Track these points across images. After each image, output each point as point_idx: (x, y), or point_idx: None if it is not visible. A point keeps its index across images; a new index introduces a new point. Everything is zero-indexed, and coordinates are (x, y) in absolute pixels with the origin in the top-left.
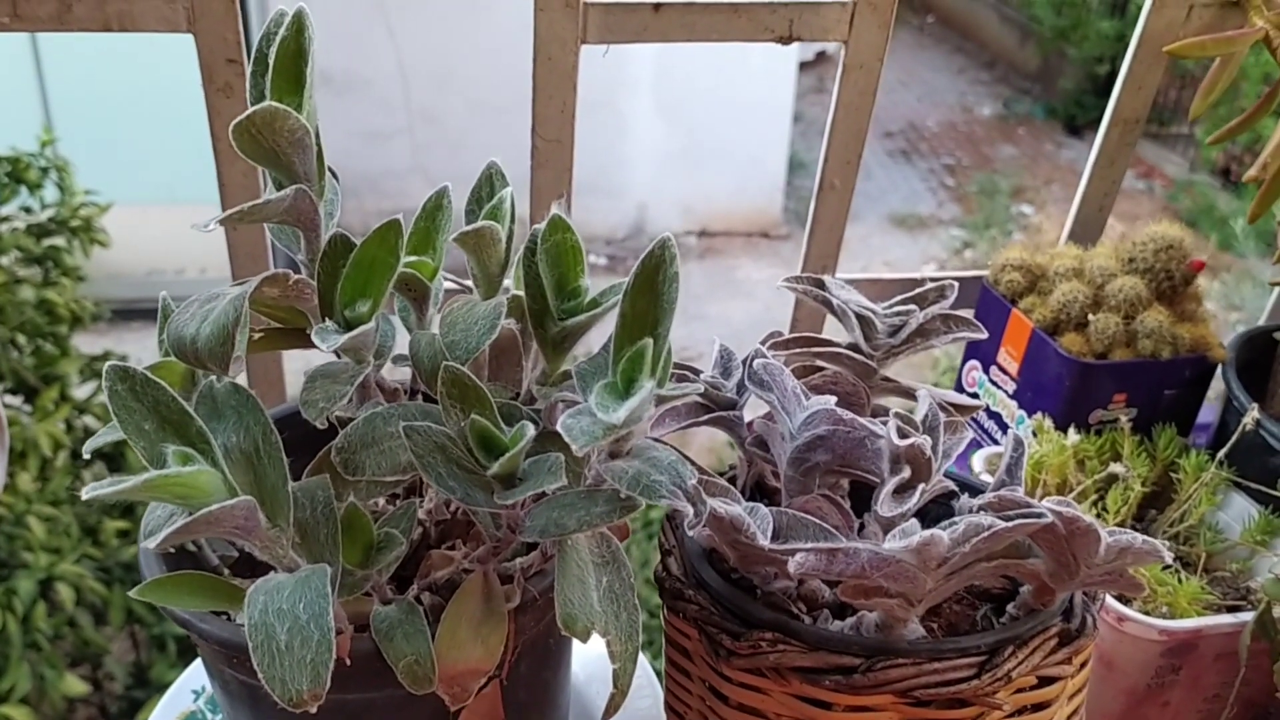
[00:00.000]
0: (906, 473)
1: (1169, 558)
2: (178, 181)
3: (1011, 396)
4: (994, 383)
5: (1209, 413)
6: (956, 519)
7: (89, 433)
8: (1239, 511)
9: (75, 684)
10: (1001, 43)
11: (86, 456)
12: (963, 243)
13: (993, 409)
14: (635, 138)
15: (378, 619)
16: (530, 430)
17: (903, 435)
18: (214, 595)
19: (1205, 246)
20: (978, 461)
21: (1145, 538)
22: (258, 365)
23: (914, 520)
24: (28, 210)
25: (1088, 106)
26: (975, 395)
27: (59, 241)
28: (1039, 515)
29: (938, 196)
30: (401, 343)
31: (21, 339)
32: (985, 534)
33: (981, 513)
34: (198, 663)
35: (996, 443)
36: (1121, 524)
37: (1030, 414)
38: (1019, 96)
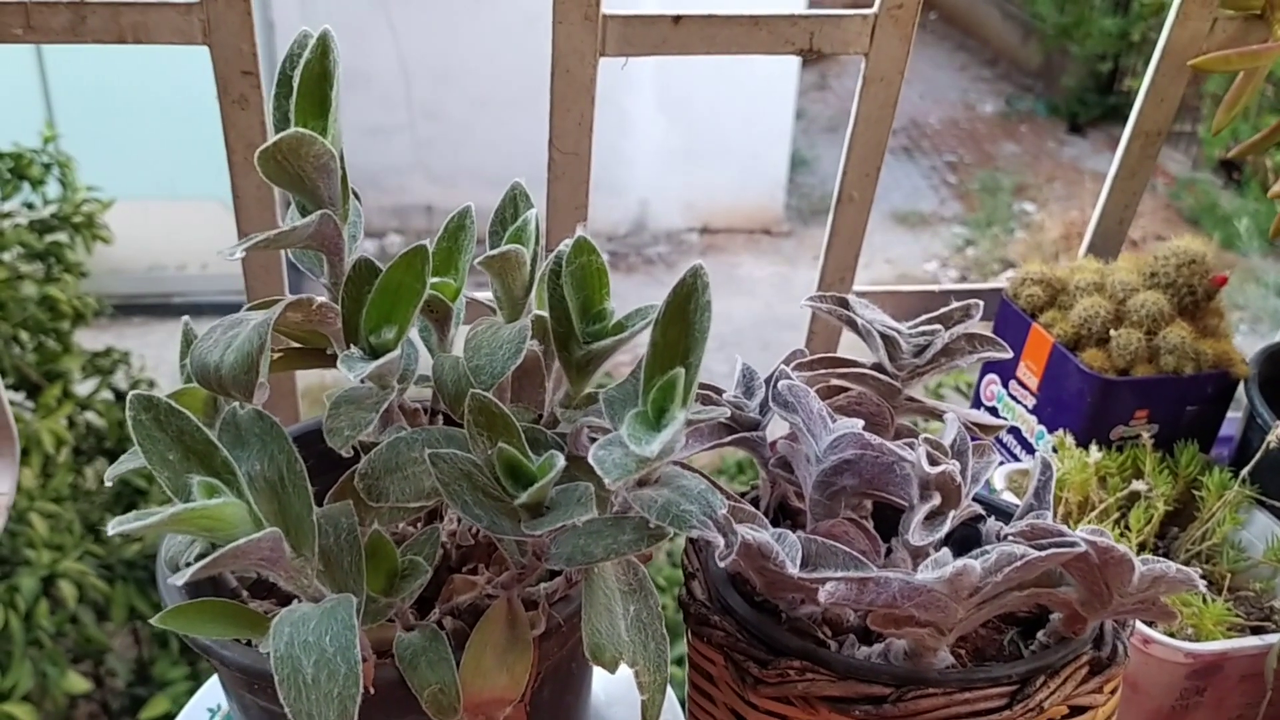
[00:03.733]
0: (937, 500)
1: (1202, 587)
2: (180, 177)
3: (1031, 411)
4: (1013, 397)
5: (1229, 425)
6: (988, 548)
7: (91, 429)
8: (1262, 529)
9: (78, 681)
10: (1004, 40)
11: (108, 485)
12: (964, 240)
13: (1012, 423)
14: (637, 134)
15: (401, 646)
16: (560, 461)
17: (932, 461)
18: (236, 622)
19: (1208, 245)
20: (999, 479)
21: (1179, 567)
22: (270, 380)
23: (945, 550)
24: (30, 206)
25: (1090, 104)
26: (994, 410)
27: (61, 237)
28: (1072, 544)
29: (940, 194)
30: (423, 362)
31: (24, 335)
32: (1018, 563)
33: (1013, 541)
34: (211, 681)
35: (1015, 458)
36: (1144, 543)
37: (1050, 429)
38: (1021, 94)
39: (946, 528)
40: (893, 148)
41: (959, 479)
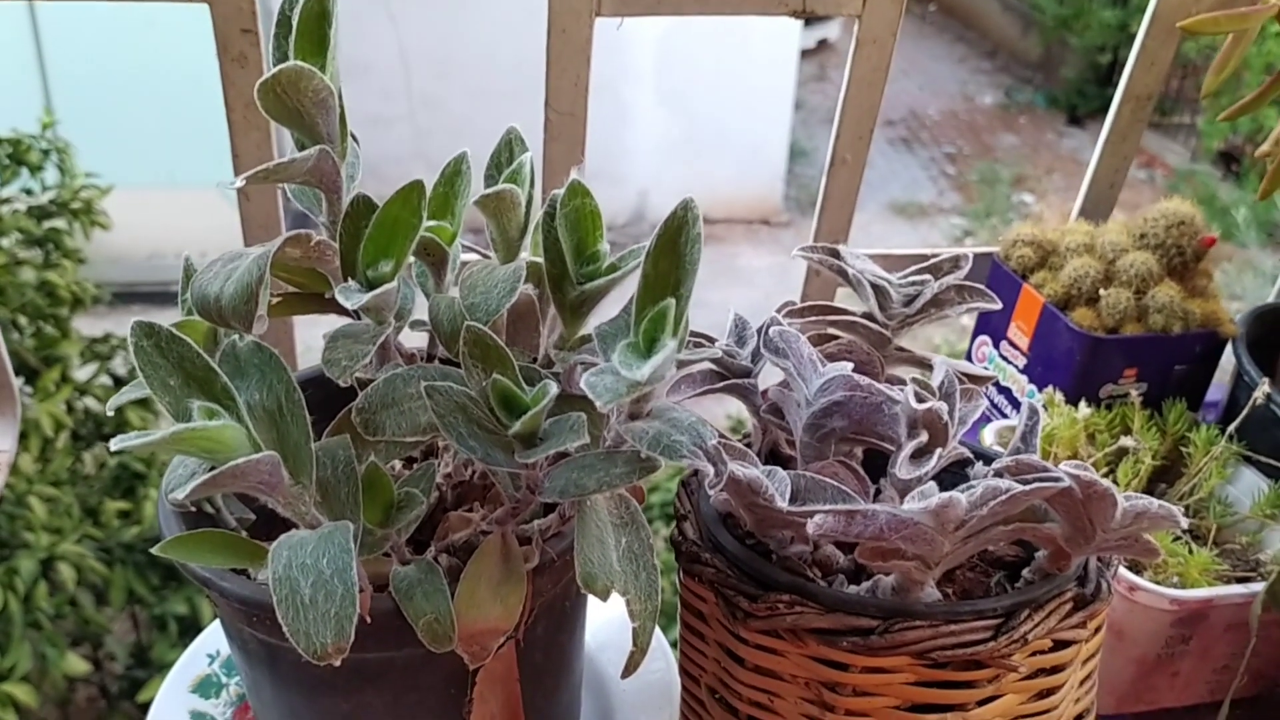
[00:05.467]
0: (924, 437)
1: (1184, 523)
2: (179, 165)
3: (1022, 371)
4: (1004, 358)
5: (1217, 392)
6: (974, 482)
7: (90, 414)
8: (1249, 485)
9: (76, 663)
10: (1003, 31)
11: (110, 413)
12: (963, 231)
13: (1003, 384)
14: (636, 125)
15: (397, 578)
16: (553, 388)
17: (920, 400)
18: (234, 552)
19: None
20: (989, 435)
21: (1161, 503)
22: (269, 335)
23: (932, 484)
24: (28, 192)
25: (1089, 96)
26: (985, 369)
27: (60, 224)
28: (1056, 479)
29: (938, 185)
30: (419, 308)
31: (23, 321)
32: (1003, 497)
33: (999, 476)
34: (212, 627)
35: (1006, 418)
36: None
37: (1040, 388)
38: (1020, 85)
39: (934, 463)
40: (891, 139)
41: (946, 417)
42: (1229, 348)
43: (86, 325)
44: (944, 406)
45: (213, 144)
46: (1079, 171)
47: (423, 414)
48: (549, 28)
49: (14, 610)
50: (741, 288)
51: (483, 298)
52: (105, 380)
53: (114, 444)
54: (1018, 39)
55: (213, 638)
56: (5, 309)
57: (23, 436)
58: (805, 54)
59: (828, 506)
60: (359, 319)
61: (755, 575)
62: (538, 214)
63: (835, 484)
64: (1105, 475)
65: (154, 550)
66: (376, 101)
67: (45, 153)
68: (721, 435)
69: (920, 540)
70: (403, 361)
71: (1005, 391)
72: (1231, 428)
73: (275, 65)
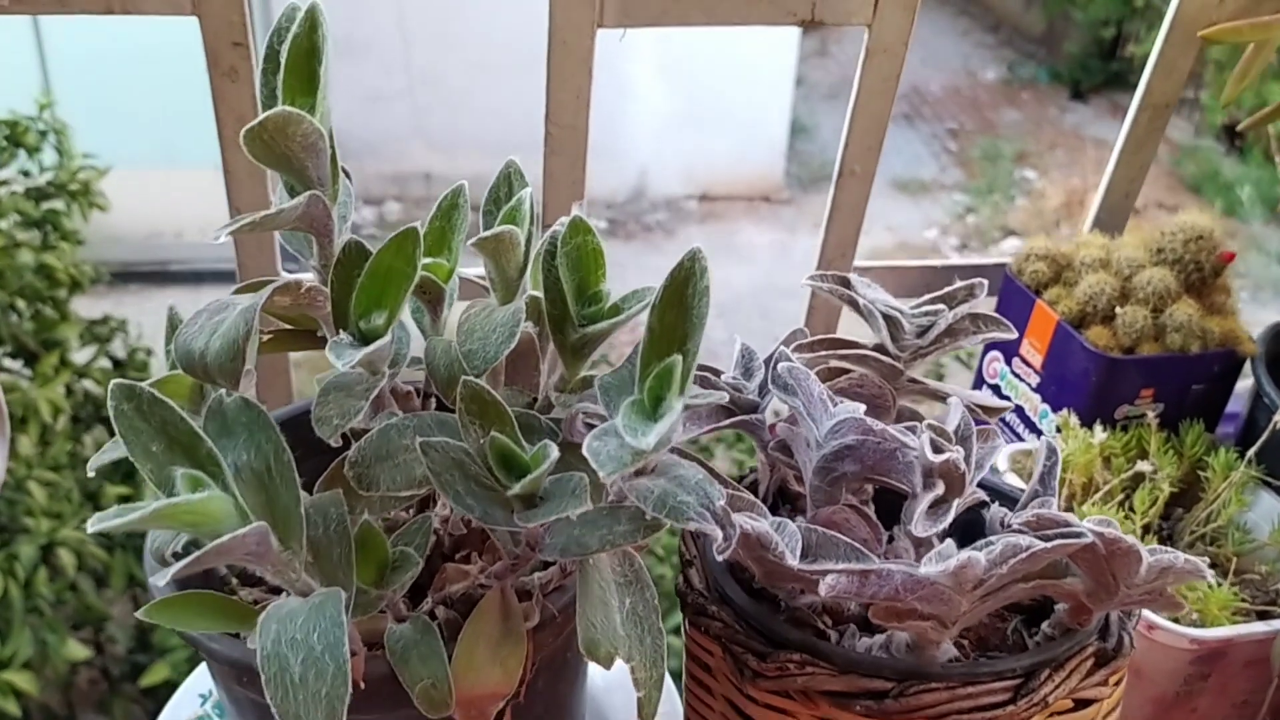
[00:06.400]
0: (940, 489)
1: (1210, 577)
2: (177, 145)
3: (1035, 390)
4: (1016, 375)
5: (1235, 403)
6: (993, 539)
7: (89, 397)
8: (1268, 510)
9: (77, 649)
10: (1006, 6)
11: (91, 475)
12: (965, 208)
13: (1015, 401)
14: (636, 101)
15: (392, 638)
16: (554, 453)
17: (936, 449)
18: (224, 616)
19: (1210, 212)
20: (1002, 460)
21: (1187, 557)
22: (262, 360)
23: (949, 541)
24: (26, 174)
25: (1093, 71)
26: (996, 387)
27: (58, 205)
28: (1079, 535)
29: (940, 161)
30: (415, 342)
31: (21, 303)
32: (1023, 555)
33: (1018, 531)
34: (202, 667)
35: (1018, 437)
36: (1148, 525)
37: (1054, 408)
38: (1023, 60)
39: (950, 518)
40: (893, 115)
41: (963, 466)
42: (1248, 364)
43: (85, 306)
44: (961, 453)
45: (210, 124)
46: (1081, 147)
47: (418, 466)
48: (549, 40)
49: (14, 597)
50: (742, 265)
51: (480, 344)
52: (104, 363)
53: (91, 525)
54: (1021, 13)
55: (204, 678)
56: (4, 292)
57: (22, 421)
58: (806, 30)
59: (841, 566)
60: (352, 369)
61: (764, 631)
62: (537, 242)
63: (848, 541)
64: (1121, 502)
65: (139, 615)
66: (376, 77)
67: (43, 134)
68: (726, 483)
69: (937, 600)
70: (397, 406)
71: (1018, 410)
72: (1251, 452)
73: (263, 102)
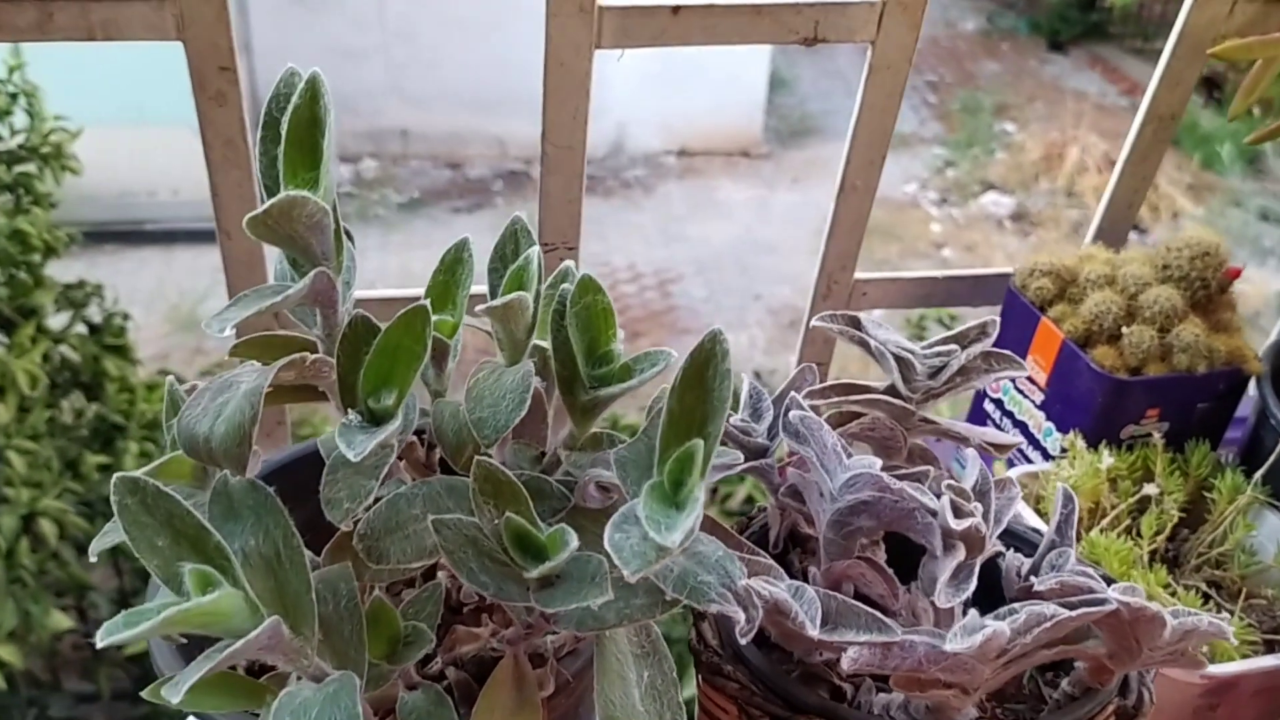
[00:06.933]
0: (962, 554)
1: (1232, 637)
2: (148, 102)
3: (1039, 407)
4: (1020, 391)
5: (1242, 408)
6: (1016, 608)
7: (66, 363)
8: (1273, 532)
9: (61, 619)
10: None
11: (93, 560)
12: (945, 161)
13: (1019, 417)
14: (599, 58)
15: (404, 710)
16: (573, 541)
17: (957, 513)
18: (234, 695)
19: (1188, 166)
20: None
21: (1211, 619)
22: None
23: (973, 612)
24: None
25: (1071, 21)
26: (999, 402)
27: (30, 169)
28: (1103, 602)
29: (920, 114)
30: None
31: None
32: (1048, 624)
33: (1042, 598)
34: None
35: (1023, 454)
36: (1155, 550)
37: (1059, 427)
38: (1003, 11)
39: (973, 585)
40: None
41: (984, 531)
42: (1253, 383)
43: (59, 267)
44: (980, 511)
45: (182, 80)
46: (1061, 100)
47: (428, 537)
48: (546, 60)
49: None
50: (721, 221)
51: (490, 413)
52: (81, 328)
53: (100, 639)
54: None
55: None
56: None
57: (0, 391)
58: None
59: (864, 638)
60: None
61: (782, 694)
62: (543, 288)
63: (869, 611)
64: (1128, 528)
65: (145, 694)
66: (349, 33)
67: (13, 96)
68: (741, 543)
69: (960, 670)
70: (404, 472)
71: (1021, 426)
72: (1258, 475)
73: (262, 171)
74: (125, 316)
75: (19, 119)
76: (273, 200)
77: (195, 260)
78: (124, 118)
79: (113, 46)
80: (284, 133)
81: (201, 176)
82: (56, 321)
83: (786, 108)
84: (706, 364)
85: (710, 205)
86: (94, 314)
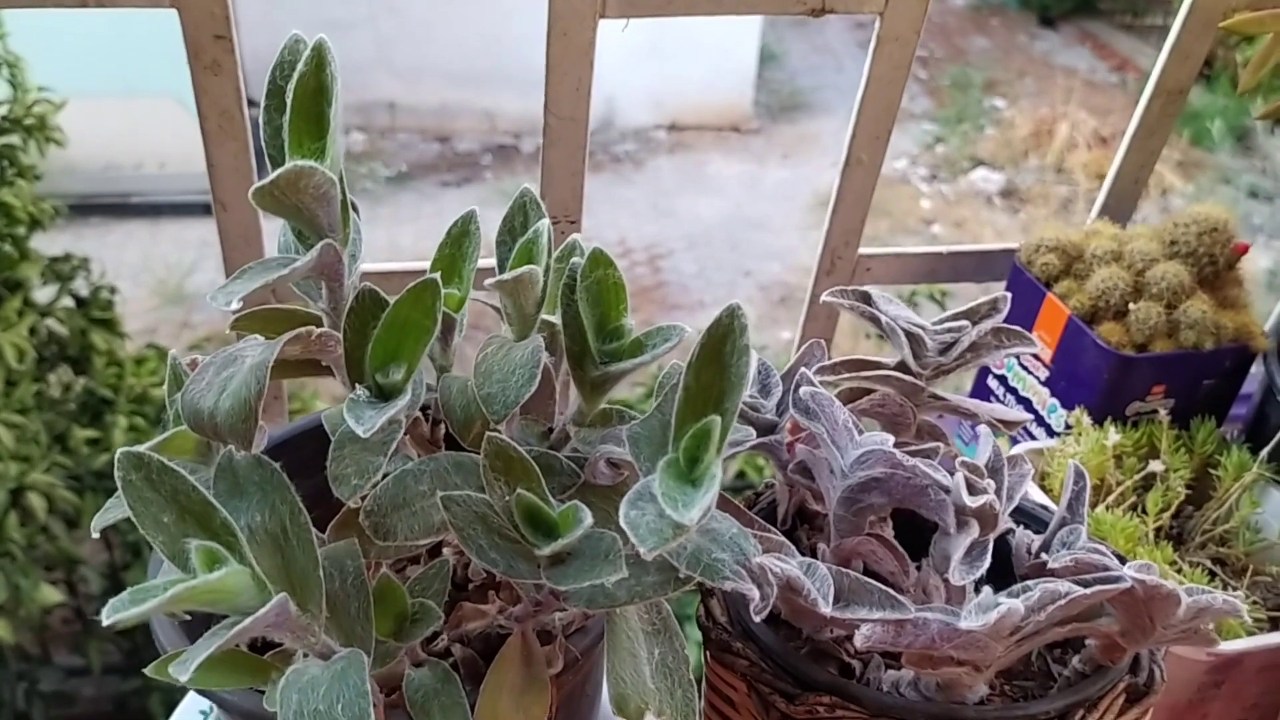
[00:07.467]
0: (975, 531)
1: (1245, 614)
2: (134, 74)
3: (1044, 384)
4: (1025, 367)
5: (1249, 383)
6: (1030, 585)
7: (53, 336)
8: (1278, 508)
9: (50, 593)
10: None
11: (95, 535)
12: (935, 137)
13: (1022, 394)
14: (603, 29)
15: (411, 687)
16: (587, 519)
17: (972, 490)
18: (239, 672)
19: (1177, 143)
20: None
21: (1226, 597)
22: None
23: (987, 589)
24: None
25: None
26: (1003, 378)
27: (14, 140)
28: (1117, 579)
29: (909, 90)
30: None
31: None
32: (1062, 601)
33: (1055, 576)
34: None
35: (1027, 431)
36: (1160, 527)
37: (1064, 403)
38: None
39: (987, 562)
40: (861, 41)
41: (998, 508)
42: (1259, 360)
43: (45, 241)
44: (991, 487)
45: (169, 51)
46: (1050, 76)
47: (436, 514)
48: (549, 30)
49: None
50: (711, 196)
51: (499, 388)
52: (68, 301)
53: (106, 617)
54: None
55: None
56: None
57: None
58: (816, 17)
59: (877, 615)
60: None
61: (792, 671)
62: (552, 263)
63: (881, 588)
64: (1133, 505)
65: (149, 671)
66: (336, 5)
67: None
68: (753, 520)
69: (973, 648)
70: (411, 449)
71: (1025, 402)
72: (1264, 453)
73: (267, 140)
74: (112, 290)
75: (1, 90)
76: (280, 170)
77: (182, 233)
78: (110, 89)
79: (99, 17)
80: (289, 102)
81: (188, 149)
82: (43, 295)
83: (777, 82)
84: (724, 340)
85: (700, 180)
86: (81, 287)
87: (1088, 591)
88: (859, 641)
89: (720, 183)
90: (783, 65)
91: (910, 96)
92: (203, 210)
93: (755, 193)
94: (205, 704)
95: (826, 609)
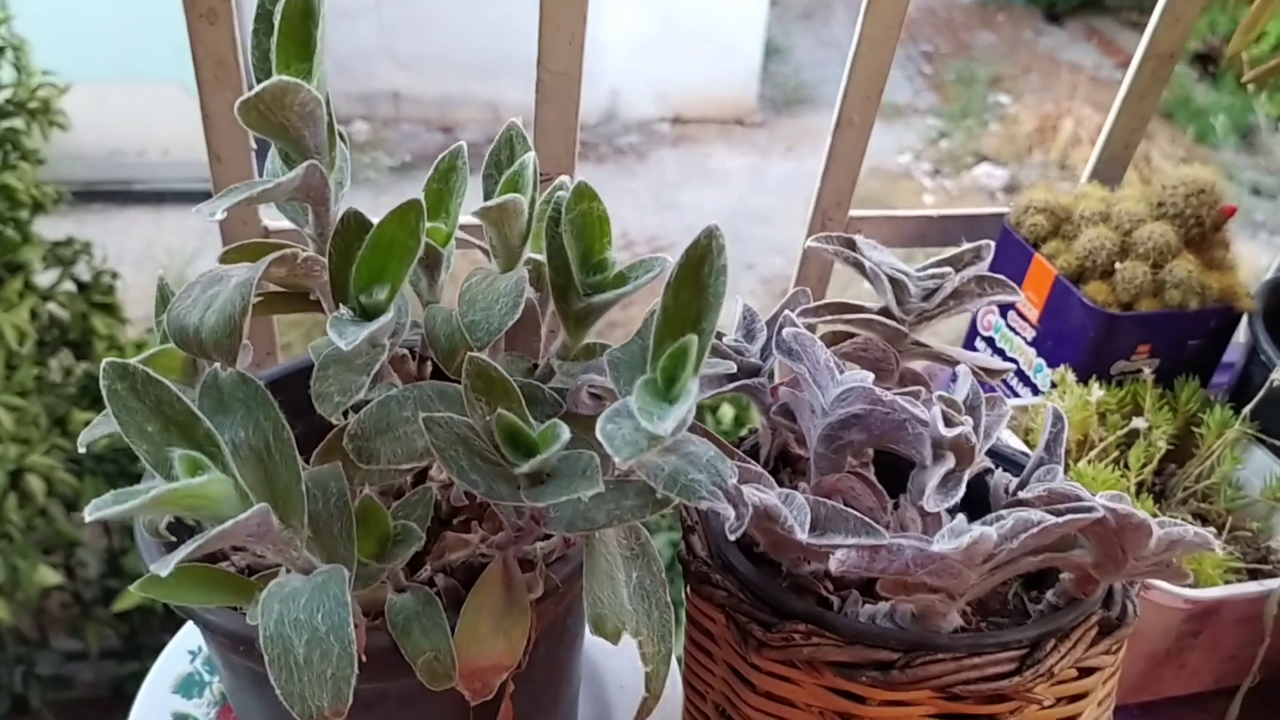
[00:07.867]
0: (951, 462)
1: (1218, 549)
2: (139, 59)
3: (1030, 344)
4: (1012, 328)
5: (1232, 353)
6: (1003, 514)
7: (54, 320)
8: (1260, 467)
9: (49, 574)
10: None
11: (82, 449)
12: (939, 133)
13: (1009, 354)
14: (608, 21)
15: (393, 610)
16: (565, 434)
17: (948, 422)
18: (221, 589)
19: (1182, 139)
20: None
21: (1197, 530)
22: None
23: (960, 517)
24: None
25: None
26: (991, 339)
27: (17, 124)
28: (1090, 509)
29: (915, 85)
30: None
31: None
32: (1034, 530)
33: (1029, 505)
34: (190, 624)
35: (1013, 390)
36: (1142, 482)
37: (1050, 363)
38: None
39: (962, 492)
40: None
41: (974, 439)
42: (1244, 320)
43: (47, 226)
44: (971, 430)
45: (173, 37)
46: (1056, 72)
47: (419, 439)
48: None
49: None
50: (714, 189)
51: (483, 315)
52: (69, 286)
53: (88, 513)
54: None
55: (193, 634)
56: None
57: None
58: None
59: (851, 541)
60: None
61: (769, 601)
62: (538, 202)
63: (857, 515)
64: (1116, 460)
65: (133, 589)
66: None
67: (0, 50)
68: (734, 453)
69: (946, 574)
70: (396, 378)
71: (1012, 363)
72: (1246, 410)
73: (255, 65)
74: (114, 275)
75: (6, 73)
76: (265, 84)
77: (184, 221)
78: (113, 75)
79: (101, 1)
80: (276, 24)
81: (192, 137)
82: (45, 279)
83: (781, 76)
84: (702, 260)
85: (704, 173)
86: (83, 272)
87: (1060, 520)
88: (833, 566)
89: (723, 176)
90: (788, 59)
91: (915, 92)
92: (205, 198)
93: (758, 186)
94: (194, 643)
95: (803, 535)
